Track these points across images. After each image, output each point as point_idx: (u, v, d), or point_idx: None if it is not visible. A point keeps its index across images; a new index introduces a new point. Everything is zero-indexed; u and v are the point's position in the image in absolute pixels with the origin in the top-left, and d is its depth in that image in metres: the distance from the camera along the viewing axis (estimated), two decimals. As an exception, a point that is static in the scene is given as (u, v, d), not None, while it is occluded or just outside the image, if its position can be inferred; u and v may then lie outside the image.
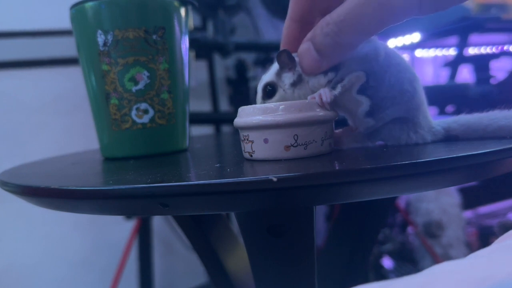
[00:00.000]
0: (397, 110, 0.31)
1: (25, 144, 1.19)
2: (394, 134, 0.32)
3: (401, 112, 0.32)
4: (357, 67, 0.30)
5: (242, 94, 1.27)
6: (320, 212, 1.29)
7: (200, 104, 1.37)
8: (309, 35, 0.30)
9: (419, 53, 1.65)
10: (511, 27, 1.34)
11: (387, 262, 1.29)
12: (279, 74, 0.32)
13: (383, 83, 0.31)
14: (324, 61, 0.30)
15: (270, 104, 0.30)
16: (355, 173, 0.23)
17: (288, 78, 0.32)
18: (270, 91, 0.32)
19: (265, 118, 0.28)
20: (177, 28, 0.42)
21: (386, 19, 0.27)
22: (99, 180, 0.30)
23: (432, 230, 1.20)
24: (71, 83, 1.18)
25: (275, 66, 0.33)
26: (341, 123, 0.34)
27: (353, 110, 0.32)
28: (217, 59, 1.35)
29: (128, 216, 1.09)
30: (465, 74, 1.36)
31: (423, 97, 0.32)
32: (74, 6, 0.41)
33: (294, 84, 0.31)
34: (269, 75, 0.33)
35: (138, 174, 0.30)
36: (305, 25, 0.33)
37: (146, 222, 1.14)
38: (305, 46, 0.30)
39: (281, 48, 0.34)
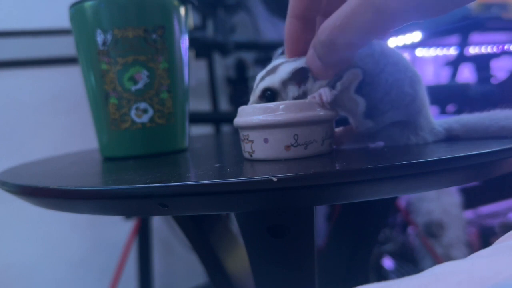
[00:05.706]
0: (397, 114, 0.31)
1: (24, 143, 1.19)
2: (394, 136, 0.32)
3: (401, 116, 0.31)
4: (353, 64, 0.30)
5: (242, 94, 1.27)
6: (320, 212, 1.29)
7: (200, 104, 1.37)
8: (313, 40, 0.29)
9: (420, 52, 1.64)
10: (511, 26, 1.34)
11: (387, 263, 1.29)
12: (285, 83, 0.31)
13: (380, 82, 0.30)
14: (328, 68, 0.29)
15: (270, 104, 0.29)
16: (355, 173, 0.23)
17: (292, 91, 0.31)
18: (269, 96, 0.31)
19: (265, 118, 0.28)
20: (176, 27, 0.42)
21: (384, 25, 0.25)
22: (98, 180, 0.30)
23: (432, 230, 1.19)
24: (70, 82, 1.18)
25: (282, 71, 0.31)
26: (341, 122, 0.34)
27: (352, 109, 0.32)
28: (217, 58, 1.35)
29: (128, 216, 1.09)
30: (466, 74, 1.36)
31: (425, 99, 0.32)
32: (73, 5, 0.41)
33: (296, 99, 0.31)
34: (273, 79, 0.31)
35: (137, 174, 0.30)
36: (306, 22, 0.31)
37: (145, 222, 1.14)
38: (310, 53, 0.29)
39: (285, 46, 0.32)
